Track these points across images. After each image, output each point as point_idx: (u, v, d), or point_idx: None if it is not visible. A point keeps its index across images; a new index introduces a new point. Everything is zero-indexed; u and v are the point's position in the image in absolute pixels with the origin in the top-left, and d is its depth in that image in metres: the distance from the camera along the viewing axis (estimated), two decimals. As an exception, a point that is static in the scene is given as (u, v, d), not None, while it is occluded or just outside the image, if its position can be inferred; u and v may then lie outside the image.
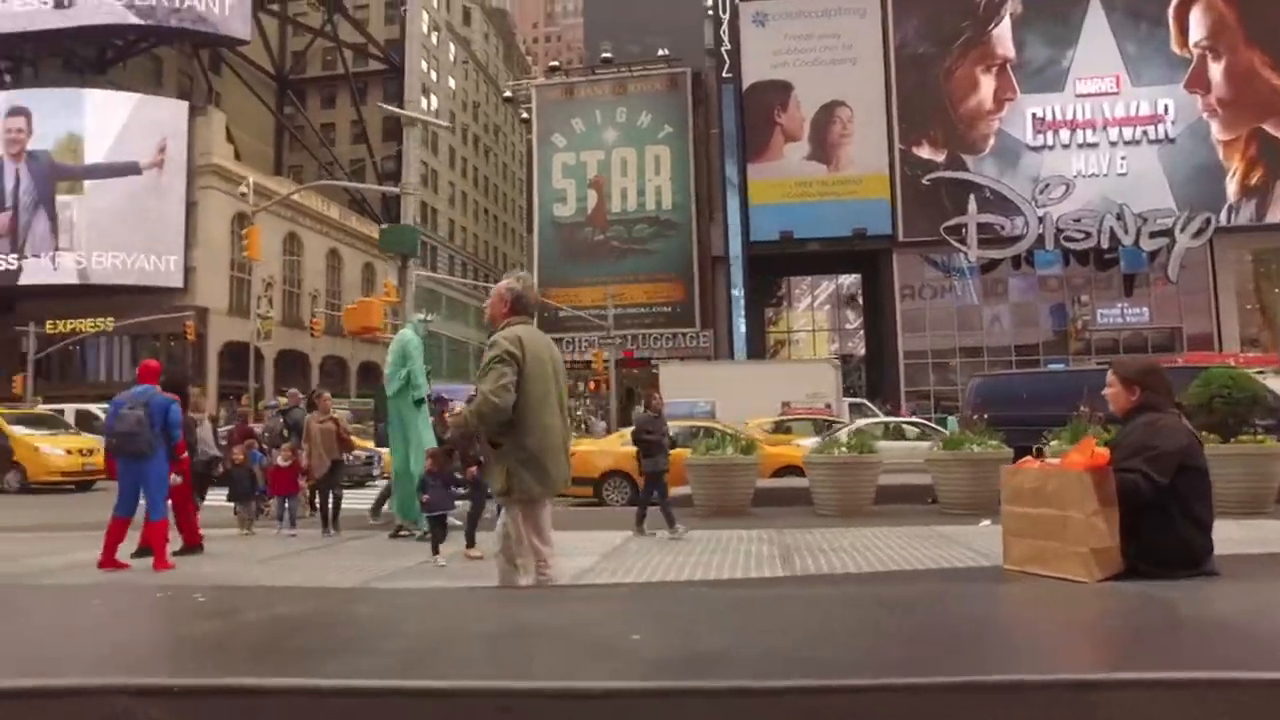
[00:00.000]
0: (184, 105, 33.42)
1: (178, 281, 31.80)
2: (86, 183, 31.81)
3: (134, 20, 32.91)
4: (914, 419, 18.31)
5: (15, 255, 31.88)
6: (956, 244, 32.01)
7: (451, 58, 58.43)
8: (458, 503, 7.28)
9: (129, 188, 31.67)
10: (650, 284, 37.36)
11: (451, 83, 58.47)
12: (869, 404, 24.34)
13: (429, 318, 9.81)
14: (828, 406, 19.99)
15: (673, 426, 11.07)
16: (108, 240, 31.34)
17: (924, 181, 33.32)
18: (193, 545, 7.07)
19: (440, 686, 0.93)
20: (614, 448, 12.73)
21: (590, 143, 38.57)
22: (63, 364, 32.42)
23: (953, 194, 32.82)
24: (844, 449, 9.77)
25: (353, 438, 9.82)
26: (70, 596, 2.27)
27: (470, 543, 6.72)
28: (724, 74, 35.17)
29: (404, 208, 12.11)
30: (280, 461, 8.61)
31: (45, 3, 32.74)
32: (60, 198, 31.88)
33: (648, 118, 38.22)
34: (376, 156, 50.65)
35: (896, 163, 33.73)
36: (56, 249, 31.70)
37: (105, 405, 18.19)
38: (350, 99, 49.55)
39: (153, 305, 30.55)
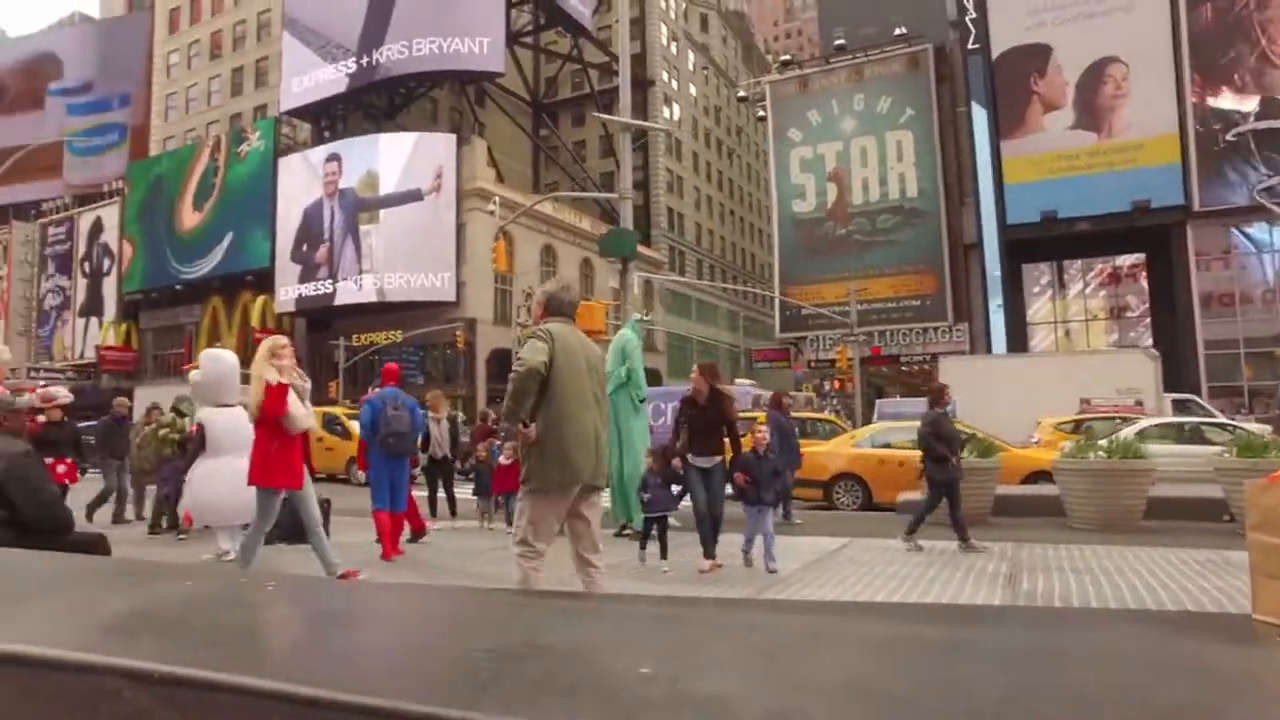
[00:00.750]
0: (452, 138, 37.37)
1: (451, 296, 35.59)
2: (381, 212, 36.62)
3: (412, 70, 37.62)
4: (1222, 420, 15.59)
5: (331, 280, 37.51)
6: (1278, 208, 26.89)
7: (691, 65, 59.77)
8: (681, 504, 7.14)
9: (412, 214, 35.98)
10: (896, 277, 35.53)
11: (692, 89, 59.81)
12: (1198, 400, 20.75)
13: (647, 317, 9.97)
14: (1139, 404, 17.10)
15: (893, 429, 10.43)
16: (397, 262, 35.83)
17: (1228, 138, 28.48)
18: (419, 532, 7.99)
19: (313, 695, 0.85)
20: (845, 449, 12.27)
21: (827, 135, 37.52)
22: (366, 371, 37.64)
23: (1268, 149, 27.74)
24: (1101, 453, 8.61)
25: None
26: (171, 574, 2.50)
27: (708, 552, 6.52)
28: (970, 46, 32.57)
29: (621, 213, 12.55)
30: (503, 460, 8.58)
31: (349, 70, 38.49)
32: (362, 227, 37.03)
33: (887, 102, 36.38)
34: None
35: (1189, 119, 29.12)
36: (360, 272, 36.82)
37: (335, 409, 20.73)
38: (598, 116, 52.45)
39: (431, 318, 34.46)
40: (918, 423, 7.99)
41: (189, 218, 43.64)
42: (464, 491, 10.30)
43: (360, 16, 38.49)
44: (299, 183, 39.08)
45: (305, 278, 38.51)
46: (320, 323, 39.23)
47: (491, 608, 1.90)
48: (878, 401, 25.61)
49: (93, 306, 49.37)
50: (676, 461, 6.68)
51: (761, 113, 41.59)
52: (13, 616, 1.28)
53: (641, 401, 8.46)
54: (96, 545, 4.05)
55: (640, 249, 49.77)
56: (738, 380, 27.12)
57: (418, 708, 0.74)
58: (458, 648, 1.31)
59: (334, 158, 38.22)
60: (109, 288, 48.61)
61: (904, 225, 35.55)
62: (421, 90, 41.46)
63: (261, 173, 40.49)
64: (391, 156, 36.58)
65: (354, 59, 38.60)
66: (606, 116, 15.54)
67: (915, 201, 35.37)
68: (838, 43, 40.21)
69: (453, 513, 10.07)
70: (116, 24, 58.81)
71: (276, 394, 5.46)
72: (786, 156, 38.48)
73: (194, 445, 6.65)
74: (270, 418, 5.48)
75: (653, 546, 6.51)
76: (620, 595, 4.43)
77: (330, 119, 41.72)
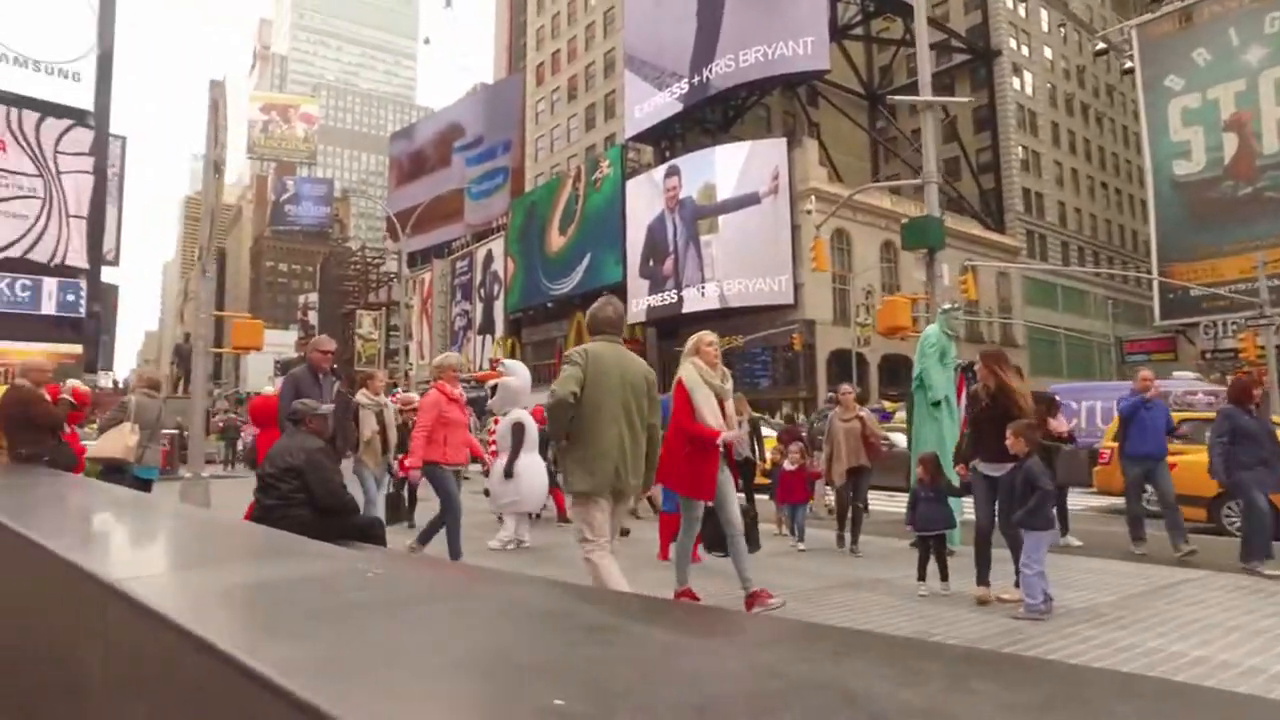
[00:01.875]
0: (782, 141, 37.50)
1: (788, 298, 35.64)
2: (720, 220, 38.00)
3: (739, 81, 38.60)
4: None
5: (676, 290, 39.81)
6: None
7: (1045, 25, 53.40)
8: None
9: (749, 221, 36.78)
10: (1332, 241, 28.14)
11: (1047, 52, 53.39)
12: None
13: (955, 306, 8.75)
14: None
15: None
16: (736, 268, 36.87)
17: None
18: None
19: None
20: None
21: (1222, 74, 30.93)
22: (709, 376, 39.33)
23: None
24: None
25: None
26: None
27: (980, 578, 5.61)
28: None
29: (926, 198, 11.36)
30: (787, 465, 7.85)
31: (682, 91, 40.71)
32: (703, 237, 38.77)
33: (1318, 18, 29.01)
34: (969, 151, 49.19)
35: None
36: (703, 280, 38.56)
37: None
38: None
39: (770, 321, 34.82)
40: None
41: (555, 241, 49.34)
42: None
43: (689, 42, 40.51)
44: (644, 202, 42.15)
45: (653, 289, 41.37)
46: (668, 331, 41.79)
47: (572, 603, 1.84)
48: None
49: (487, 325, 58.01)
50: (961, 468, 5.82)
51: (1128, 64, 35.62)
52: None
53: (935, 405, 7.54)
54: (373, 528, 4.73)
55: (992, 236, 45.59)
56: (1176, 373, 22.39)
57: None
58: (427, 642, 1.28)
59: (673, 171, 40.59)
60: (498, 309, 56.81)
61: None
62: (753, 99, 42.34)
63: (613, 196, 44.39)
64: (726, 167, 37.84)
65: (686, 80, 40.74)
66: (904, 98, 14.21)
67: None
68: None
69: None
70: (500, 85, 68.99)
71: (679, 393, 5.04)
72: (1163, 110, 32.54)
73: (515, 441, 7.28)
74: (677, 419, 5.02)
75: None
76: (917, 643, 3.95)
77: (669, 139, 44.43)
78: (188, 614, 1.36)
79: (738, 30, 38.18)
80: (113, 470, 6.81)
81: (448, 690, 1.03)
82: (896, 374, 36.84)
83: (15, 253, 52.20)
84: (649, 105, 43.37)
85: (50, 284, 52.56)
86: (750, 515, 5.88)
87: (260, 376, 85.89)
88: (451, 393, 6.66)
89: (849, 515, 7.60)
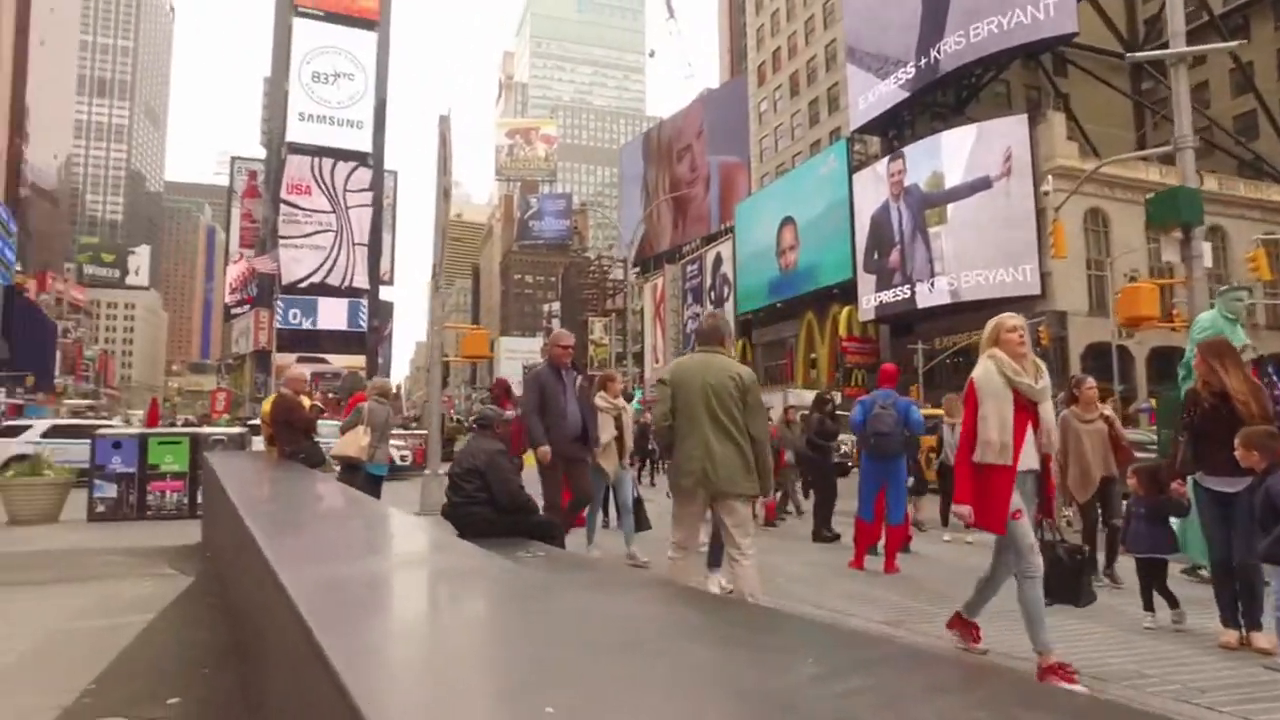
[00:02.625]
0: (1022, 118, 34.36)
1: (1034, 289, 32.67)
2: (949, 210, 35.72)
3: (971, 59, 35.89)
4: None
5: (907, 285, 38.00)
6: None
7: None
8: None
9: (982, 210, 34.20)
10: None
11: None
12: None
13: (1237, 287, 7.26)
14: None
15: None
16: (970, 260, 34.48)
17: None
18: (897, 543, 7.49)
19: None
20: None
21: None
22: (945, 375, 36.99)
23: None
24: None
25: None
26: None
27: (1168, 600, 4.94)
28: None
29: (1181, 164, 9.90)
30: None
31: (908, 76, 38.69)
32: (931, 229, 36.67)
33: None
34: (1271, 101, 42.21)
35: None
36: (932, 274, 36.48)
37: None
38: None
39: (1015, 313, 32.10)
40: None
41: (784, 241, 48.95)
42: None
43: (915, 23, 38.40)
44: (870, 194, 40.65)
45: (882, 285, 39.76)
46: (902, 327, 39.98)
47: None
48: None
49: (717, 329, 58.89)
50: (1178, 485, 5.02)
51: None
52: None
53: None
54: (550, 528, 5.14)
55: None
56: None
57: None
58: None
59: (897, 156, 38.70)
60: (728, 312, 57.42)
61: None
62: (989, 76, 39.22)
63: (839, 191, 43.24)
64: (954, 152, 35.49)
65: (912, 65, 38.66)
66: (1139, 55, 12.49)
67: None
68: None
69: (944, 522, 9.59)
70: (723, 89, 69.75)
71: (968, 400, 4.22)
72: None
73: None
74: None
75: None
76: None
77: (897, 128, 42.44)
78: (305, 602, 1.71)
79: (968, 2, 35.64)
80: (349, 468, 7.79)
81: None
82: (1169, 368, 32.44)
83: (317, 278, 61.29)
84: (873, 95, 41.73)
85: (341, 304, 61.11)
86: (1077, 556, 4.40)
87: (511, 380, 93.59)
88: None
89: (1099, 536, 6.58)
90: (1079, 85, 41.32)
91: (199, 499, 10.66)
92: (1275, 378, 6.36)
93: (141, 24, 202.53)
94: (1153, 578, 5.13)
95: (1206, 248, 9.85)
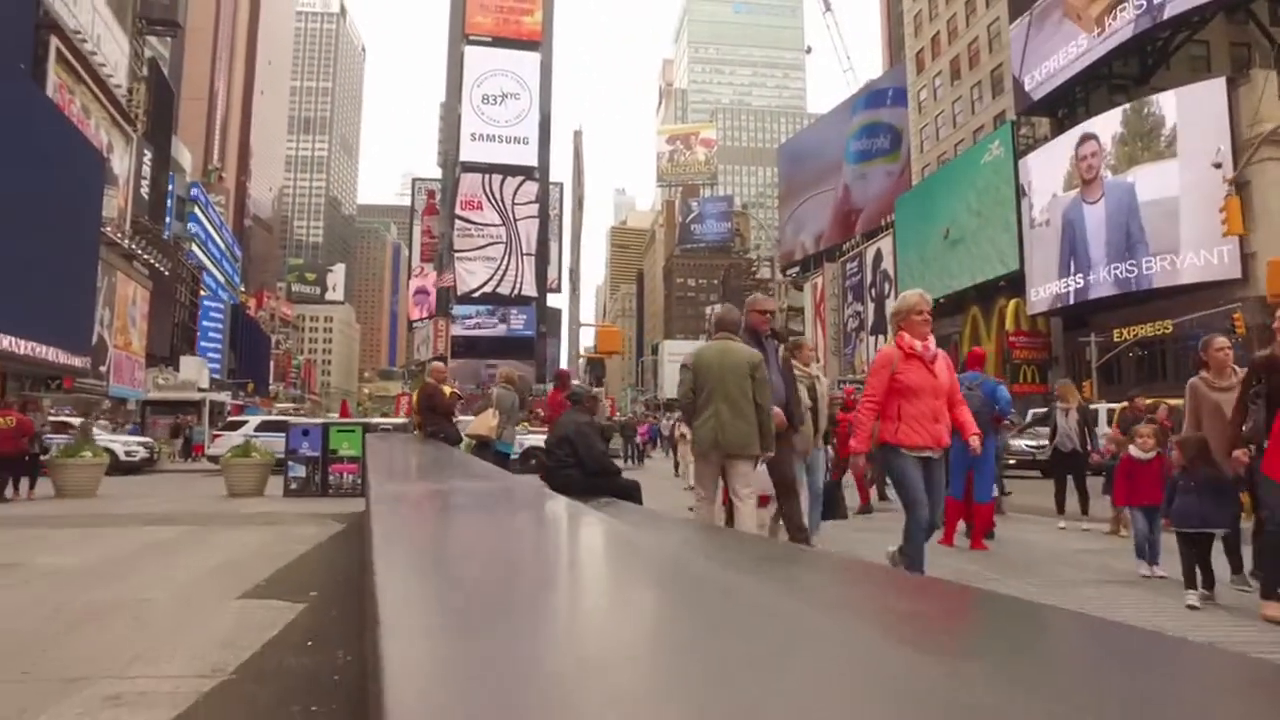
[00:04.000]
0: (1214, 83, 31.01)
1: (1234, 272, 29.42)
2: (1134, 186, 32.85)
3: (1159, 20, 32.78)
4: None
5: (1081, 274, 35.31)
6: None
7: None
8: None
9: (1169, 185, 31.23)
10: None
11: None
12: None
13: None
14: None
15: None
16: (1157, 243, 31.58)
17: None
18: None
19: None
20: None
21: None
22: (1126, 370, 34.09)
23: None
24: None
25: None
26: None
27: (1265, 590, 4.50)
28: None
29: None
30: (1136, 452, 5.95)
31: (1080, 49, 35.90)
32: (1108, 213, 33.89)
33: None
34: None
35: None
36: (1109, 262, 33.63)
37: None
38: None
39: (1210, 300, 29.11)
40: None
41: (945, 233, 46.88)
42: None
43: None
44: (1041, 180, 38.11)
45: (1054, 275, 37.15)
46: (1076, 321, 37.22)
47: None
48: None
49: (879, 325, 57.11)
50: (1240, 454, 4.67)
51: None
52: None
53: None
54: (632, 489, 5.70)
55: None
56: None
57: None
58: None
59: (1088, 137, 35.73)
60: (889, 308, 55.59)
61: None
62: (1181, 37, 35.59)
63: (1004, 178, 40.88)
64: (1145, 120, 32.55)
65: (1085, 37, 35.89)
66: None
67: None
68: None
69: (1084, 510, 9.07)
70: (881, 80, 67.63)
71: None
72: None
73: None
74: None
75: None
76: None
77: (1069, 105, 39.51)
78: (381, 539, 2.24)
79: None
80: (481, 445, 8.87)
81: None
82: None
83: (489, 288, 65.27)
84: (1042, 71, 39.12)
85: (511, 312, 64.72)
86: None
87: (675, 382, 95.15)
88: (912, 345, 4.81)
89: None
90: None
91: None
92: None
93: (339, 66, 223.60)
94: (1200, 553, 4.91)
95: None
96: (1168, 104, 32.11)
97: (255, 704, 3.00)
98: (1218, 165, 24.48)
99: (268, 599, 4.93)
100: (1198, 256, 30.30)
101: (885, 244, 55.88)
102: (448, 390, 9.31)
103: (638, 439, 29.29)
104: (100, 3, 34.61)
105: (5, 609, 4.77)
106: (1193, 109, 30.99)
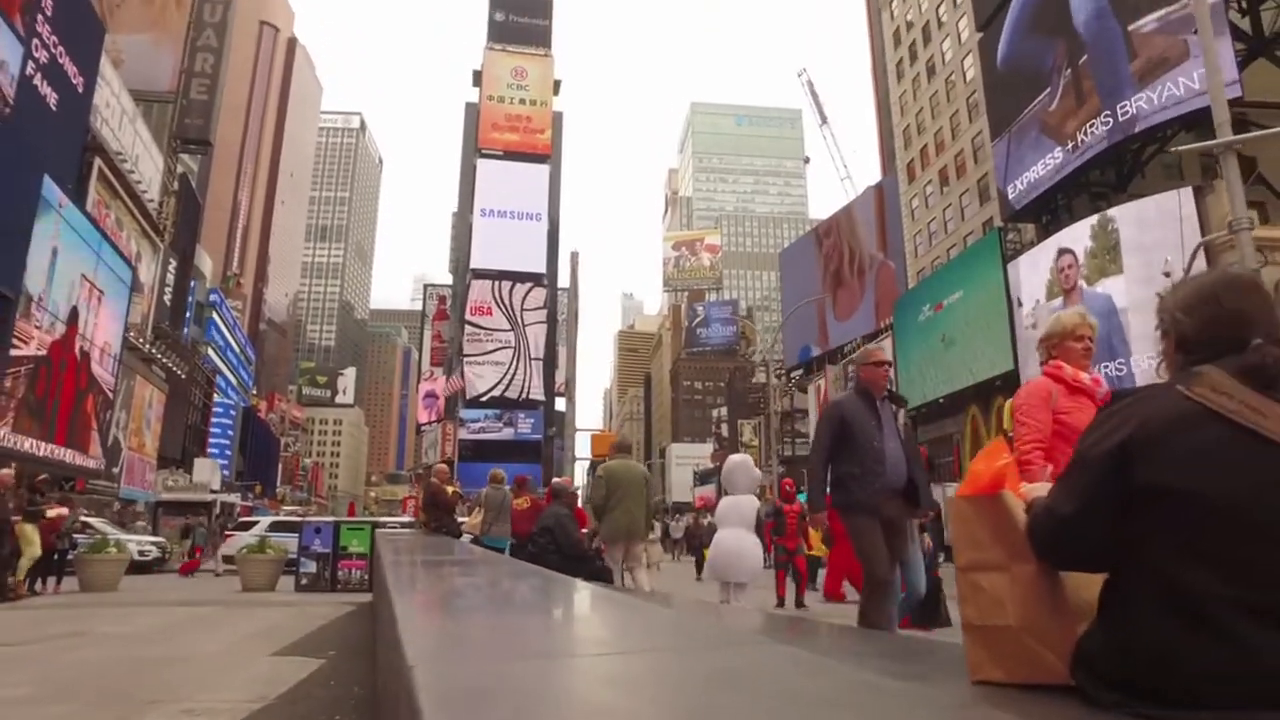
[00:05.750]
0: (1175, 194, 32.50)
1: (1220, 370, 30.18)
2: (1111, 293, 34.05)
3: (1122, 137, 34.79)
4: None
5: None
6: None
7: None
8: None
9: (1145, 290, 32.35)
10: None
11: None
12: None
13: None
14: None
15: None
16: (1141, 344, 32.54)
17: None
18: None
19: None
20: None
21: None
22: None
23: None
24: None
25: None
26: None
27: None
28: None
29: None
30: None
31: (1056, 161, 37.96)
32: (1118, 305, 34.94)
33: None
34: None
35: None
36: (1115, 359, 34.51)
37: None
38: None
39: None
40: None
41: (941, 337, 48.08)
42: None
43: (1060, 106, 38.01)
44: (1029, 285, 39.50)
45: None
46: (1074, 418, 37.78)
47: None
48: None
49: (881, 426, 57.65)
50: None
51: None
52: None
53: None
54: (605, 574, 6.53)
55: None
56: None
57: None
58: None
59: (1066, 252, 37.29)
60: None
61: None
62: (1152, 149, 37.59)
63: (995, 283, 42.32)
64: (1110, 234, 34.14)
65: (1060, 149, 38.01)
66: None
67: None
68: None
69: None
70: (873, 189, 70.62)
71: None
72: None
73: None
74: None
75: None
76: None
77: (1051, 212, 41.34)
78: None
79: (1110, 81, 35.01)
80: (475, 540, 9.80)
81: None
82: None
83: (497, 392, 66.34)
84: (1024, 181, 41.19)
85: (518, 415, 65.58)
86: None
87: (683, 486, 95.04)
88: (1077, 378, 3.70)
89: None
90: (1270, 145, 38.50)
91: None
92: None
93: (357, 177, 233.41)
94: None
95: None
96: (1124, 218, 33.81)
97: (293, 716, 3.94)
98: (1167, 274, 25.73)
99: (295, 655, 6.01)
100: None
101: (885, 345, 57.07)
102: (450, 489, 10.26)
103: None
104: (141, 125, 37.22)
105: (88, 657, 6.10)
106: (1166, 215, 32.50)
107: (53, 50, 23.16)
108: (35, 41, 21.91)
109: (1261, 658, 1.30)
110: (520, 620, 2.17)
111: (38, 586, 13.19)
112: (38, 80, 22.16)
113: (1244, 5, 34.04)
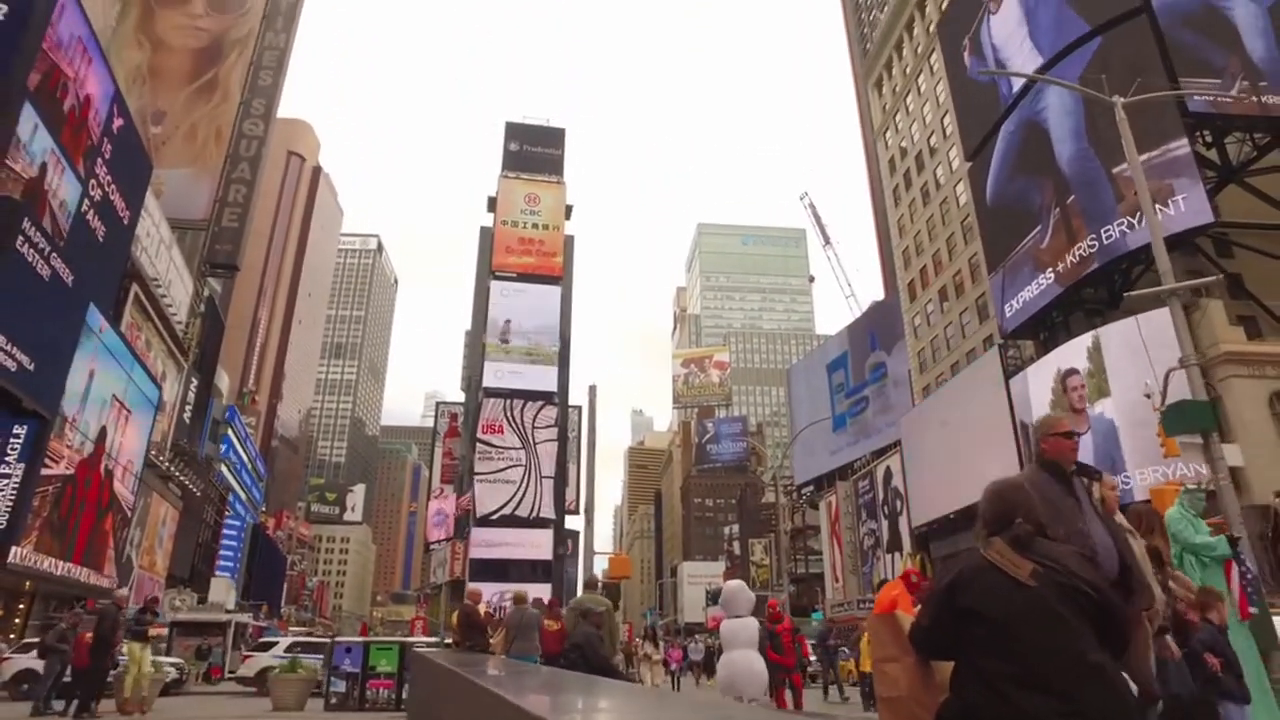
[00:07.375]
0: (1161, 312, 33.48)
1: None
2: (1108, 411, 34.61)
3: (1109, 259, 36.23)
4: None
5: (1083, 488, 36.15)
6: None
7: None
8: None
9: (1143, 408, 32.92)
10: None
11: None
12: None
13: (1199, 488, 7.72)
14: None
15: None
16: (1138, 458, 32.80)
17: None
18: None
19: None
20: None
21: None
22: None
23: None
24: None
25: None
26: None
27: None
28: None
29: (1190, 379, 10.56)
30: None
31: (1048, 282, 39.45)
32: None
33: None
34: None
35: None
36: (1114, 470, 34.70)
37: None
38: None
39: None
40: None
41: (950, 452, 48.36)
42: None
43: (1045, 237, 39.78)
44: (1036, 400, 40.14)
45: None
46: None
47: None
48: None
49: (894, 543, 57.03)
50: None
51: None
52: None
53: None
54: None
55: None
56: None
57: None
58: None
59: (1071, 372, 37.88)
60: (903, 525, 55.76)
61: None
62: (1139, 269, 39.00)
63: (997, 398, 42.97)
64: (1111, 351, 35.02)
65: (1051, 269, 39.49)
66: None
67: None
68: None
69: None
70: (877, 308, 72.41)
71: None
72: None
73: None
74: None
75: None
76: None
77: (1048, 329, 42.47)
78: None
79: (1092, 209, 36.78)
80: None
81: None
82: None
83: (507, 510, 66.16)
84: (1019, 301, 42.54)
85: (529, 534, 65.14)
86: None
87: (695, 606, 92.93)
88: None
89: None
90: (1253, 262, 39.73)
91: (403, 695, 13.20)
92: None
93: (372, 296, 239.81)
94: None
95: (1221, 449, 10.37)
96: (1110, 339, 34.66)
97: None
98: (1147, 395, 26.34)
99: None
100: (1172, 470, 31.40)
101: (894, 461, 57.21)
102: (483, 609, 10.93)
103: (672, 665, 29.72)
104: (176, 252, 39.36)
105: None
106: (1134, 341, 33.26)
107: (106, 189, 25.05)
108: (92, 181, 23.78)
109: (1023, 708, 2.29)
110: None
111: (56, 705, 13.11)
112: (90, 215, 23.88)
113: (1208, 139, 35.99)
